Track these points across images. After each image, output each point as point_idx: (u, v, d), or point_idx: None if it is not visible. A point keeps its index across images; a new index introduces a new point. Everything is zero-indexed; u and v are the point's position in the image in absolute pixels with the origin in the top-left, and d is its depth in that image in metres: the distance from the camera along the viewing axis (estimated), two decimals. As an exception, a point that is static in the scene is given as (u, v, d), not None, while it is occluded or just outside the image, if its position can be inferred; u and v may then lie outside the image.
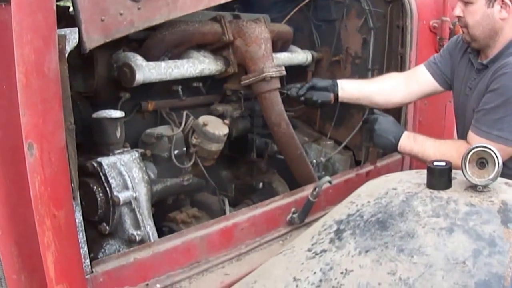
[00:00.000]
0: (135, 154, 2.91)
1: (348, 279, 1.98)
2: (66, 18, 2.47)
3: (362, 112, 4.19)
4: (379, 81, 3.74)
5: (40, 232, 1.98)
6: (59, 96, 2.05)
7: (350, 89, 3.63)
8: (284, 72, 3.55)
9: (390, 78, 3.74)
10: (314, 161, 4.18)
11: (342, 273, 2.01)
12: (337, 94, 3.57)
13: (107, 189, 2.73)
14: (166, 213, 3.29)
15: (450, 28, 4.08)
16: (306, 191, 3.28)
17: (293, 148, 3.62)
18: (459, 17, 3.12)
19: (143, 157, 3.05)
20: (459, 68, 3.38)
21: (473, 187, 2.14)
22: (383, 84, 3.69)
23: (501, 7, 2.97)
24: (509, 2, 2.95)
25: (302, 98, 3.54)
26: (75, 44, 2.18)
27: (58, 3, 2.20)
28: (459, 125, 3.48)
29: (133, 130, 3.20)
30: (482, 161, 2.12)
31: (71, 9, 2.38)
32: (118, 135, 2.88)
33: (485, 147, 2.10)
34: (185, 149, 3.33)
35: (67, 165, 2.11)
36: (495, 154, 2.08)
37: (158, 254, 2.58)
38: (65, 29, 2.15)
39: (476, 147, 2.11)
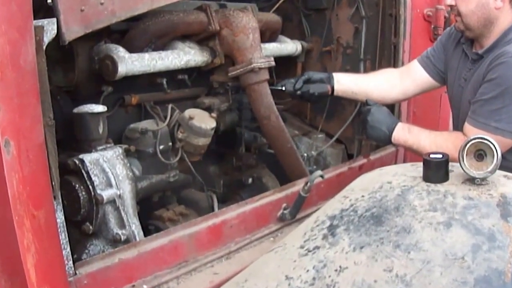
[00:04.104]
0: (119, 150, 2.85)
1: (342, 276, 1.93)
2: (45, 9, 2.41)
3: (354, 104, 4.17)
4: (376, 77, 3.71)
5: (19, 234, 1.91)
6: (36, 90, 1.99)
7: (346, 82, 3.60)
8: (273, 63, 3.51)
9: (387, 74, 3.71)
10: (305, 154, 4.16)
11: (336, 270, 1.95)
12: (333, 87, 3.50)
13: (90, 187, 2.67)
14: (152, 211, 3.23)
15: (445, 17, 4.05)
16: (297, 186, 3.23)
17: (283, 142, 3.57)
18: (451, 6, 3.07)
19: (127, 153, 2.99)
20: (453, 59, 3.34)
21: (471, 180, 2.09)
22: (380, 80, 3.66)
23: None
24: (504, -9, 2.90)
25: (299, 92, 3.49)
26: (54, 36, 2.12)
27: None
28: (454, 116, 3.45)
29: (116, 125, 3.14)
30: (480, 153, 2.08)
31: (49, 0, 2.32)
32: (101, 130, 2.82)
33: (484, 139, 2.05)
34: (170, 144, 3.29)
35: (46, 163, 2.06)
36: (494, 146, 2.03)
37: (144, 254, 2.52)
38: (43, 19, 2.08)
39: (474, 138, 2.06)
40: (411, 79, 3.57)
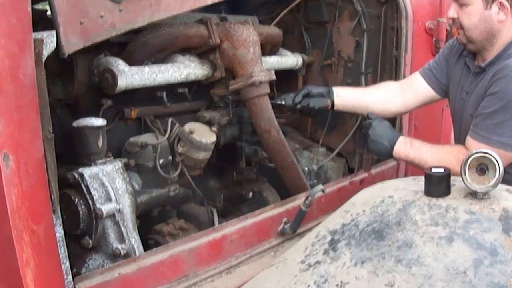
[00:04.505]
0: (118, 164, 2.84)
1: (343, 292, 1.92)
2: (44, 22, 2.40)
3: (355, 118, 4.16)
4: (376, 90, 3.70)
5: (18, 248, 1.92)
6: (36, 103, 2.00)
7: (346, 96, 3.58)
8: (274, 77, 3.50)
9: (387, 87, 3.70)
10: (306, 168, 4.14)
11: (337, 285, 1.95)
12: (333, 101, 3.49)
13: (89, 201, 2.66)
14: (151, 225, 3.22)
15: (447, 30, 4.04)
16: (298, 201, 3.22)
17: (284, 156, 3.56)
18: (453, 19, 3.07)
19: (127, 167, 2.98)
20: (454, 72, 3.33)
21: (473, 194, 2.09)
22: (380, 93, 3.65)
23: (499, 9, 2.92)
24: (507, 4, 2.90)
25: (299, 106, 3.48)
26: (53, 49, 2.11)
27: (35, 7, 2.12)
28: (456, 130, 3.44)
29: (115, 139, 3.13)
30: (482, 167, 2.06)
31: (49, 12, 2.31)
32: (100, 144, 2.81)
33: (486, 153, 2.04)
34: (170, 158, 3.27)
35: (45, 177, 2.06)
36: (496, 160, 2.02)
37: (144, 269, 2.51)
38: (42, 32, 2.08)
39: (476, 152, 2.05)
40: (412, 91, 3.56)
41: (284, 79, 4.12)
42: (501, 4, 2.91)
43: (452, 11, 3.04)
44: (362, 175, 3.81)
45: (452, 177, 2.15)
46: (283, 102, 3.52)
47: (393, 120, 4.00)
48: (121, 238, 2.74)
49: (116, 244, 2.73)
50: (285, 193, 3.65)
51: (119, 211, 2.73)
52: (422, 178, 2.18)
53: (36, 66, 1.99)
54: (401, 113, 3.85)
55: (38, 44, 2.03)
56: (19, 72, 1.91)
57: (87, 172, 2.69)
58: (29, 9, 1.95)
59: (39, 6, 2.92)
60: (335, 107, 3.53)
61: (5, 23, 1.86)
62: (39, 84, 2.00)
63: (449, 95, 3.43)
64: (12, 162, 1.88)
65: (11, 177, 1.88)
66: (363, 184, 3.68)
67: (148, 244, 3.04)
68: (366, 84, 4.14)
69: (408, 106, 3.66)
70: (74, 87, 2.95)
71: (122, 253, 2.71)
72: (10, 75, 1.88)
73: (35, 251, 1.98)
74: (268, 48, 4.02)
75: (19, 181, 1.92)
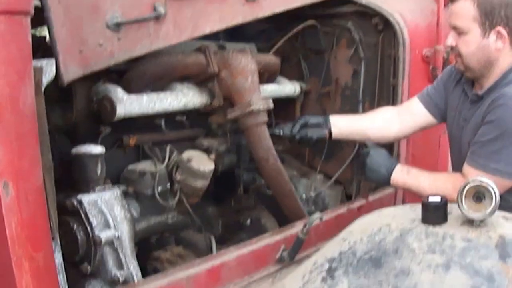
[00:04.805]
0: (117, 191, 2.85)
1: (341, 320, 1.91)
2: (43, 48, 2.42)
3: (353, 145, 4.15)
4: (372, 116, 3.70)
5: (17, 275, 1.92)
6: (35, 132, 2.00)
7: (343, 125, 3.58)
8: (272, 105, 3.50)
9: (383, 112, 3.70)
10: (304, 195, 4.14)
11: (335, 313, 1.93)
12: (331, 131, 3.51)
13: (88, 228, 2.67)
14: (150, 252, 3.22)
15: (443, 57, 4.04)
16: (296, 228, 3.22)
17: (281, 184, 3.56)
18: (452, 47, 3.08)
19: (125, 194, 3.00)
20: (452, 98, 3.34)
21: (469, 222, 2.08)
22: (377, 119, 3.65)
23: (497, 37, 2.94)
24: (504, 32, 2.92)
25: (297, 136, 3.48)
26: (53, 77, 2.13)
27: (34, 33, 2.13)
28: (454, 156, 3.44)
29: (114, 166, 3.12)
30: (478, 195, 2.06)
31: (48, 38, 2.33)
32: (99, 171, 2.81)
33: (482, 181, 2.04)
34: (169, 185, 3.27)
35: (45, 205, 2.07)
36: (492, 188, 2.02)
37: None
38: (42, 60, 2.10)
39: (473, 181, 2.05)
40: (410, 116, 3.57)
41: (282, 107, 4.13)
42: (498, 32, 2.92)
43: (451, 39, 3.06)
44: (360, 202, 3.80)
45: (449, 205, 2.16)
46: (281, 133, 3.52)
47: (391, 148, 4.00)
48: (120, 265, 2.74)
49: (114, 271, 2.74)
50: (283, 220, 3.64)
51: (118, 238, 2.73)
52: (419, 205, 2.18)
53: (35, 94, 2.00)
54: (398, 139, 3.85)
55: (38, 72, 2.04)
56: (19, 100, 1.92)
57: (86, 199, 2.69)
58: (29, 39, 1.96)
59: (36, 32, 2.94)
60: (333, 136, 3.53)
61: (5, 52, 1.87)
62: (38, 112, 2.01)
63: (447, 121, 3.44)
64: (12, 190, 1.89)
65: (11, 205, 1.89)
66: (360, 211, 3.67)
67: (146, 270, 3.04)
68: (364, 112, 4.12)
69: (406, 131, 3.66)
70: (73, 114, 2.95)
71: (120, 279, 2.72)
72: (10, 103, 1.88)
73: (34, 278, 1.97)
74: (266, 76, 4.02)
75: (19, 209, 1.92)
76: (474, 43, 2.97)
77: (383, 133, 3.61)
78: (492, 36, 2.94)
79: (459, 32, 3.00)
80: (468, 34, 2.97)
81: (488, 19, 2.92)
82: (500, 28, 2.91)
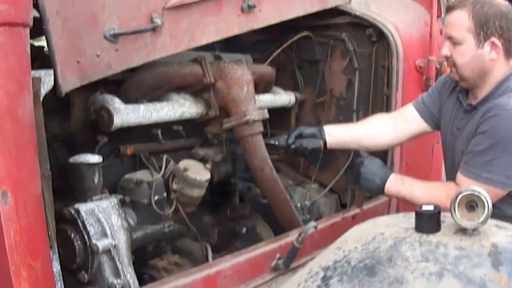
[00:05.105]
0: (114, 200, 2.85)
1: (336, 327, 1.92)
2: (41, 58, 2.43)
3: (347, 155, 4.17)
4: (366, 125, 3.72)
5: (16, 284, 1.92)
6: (34, 142, 2.01)
7: (337, 134, 3.61)
8: (267, 115, 3.52)
9: (377, 120, 3.72)
10: (299, 204, 4.14)
11: (329, 321, 1.94)
12: (325, 141, 3.53)
13: (85, 236, 2.66)
14: (146, 260, 3.23)
15: (436, 68, 4.06)
16: (291, 237, 3.22)
17: (277, 193, 3.57)
18: (447, 57, 3.10)
19: (122, 203, 2.98)
20: (447, 106, 3.36)
21: (462, 230, 2.10)
22: (371, 127, 3.67)
23: (491, 48, 2.97)
24: (499, 44, 2.95)
25: (292, 146, 3.51)
26: (51, 87, 2.14)
27: (32, 42, 2.15)
28: (447, 165, 3.46)
29: (111, 175, 3.14)
30: (471, 204, 2.08)
31: (45, 49, 2.34)
32: (96, 180, 2.82)
33: (475, 190, 2.06)
34: (165, 194, 3.28)
35: (43, 213, 2.08)
36: (485, 197, 2.04)
37: None
38: (40, 71, 2.11)
39: (466, 190, 2.07)
40: (404, 123, 3.59)
41: (277, 117, 4.15)
42: (493, 43, 2.95)
43: (446, 49, 3.08)
44: (354, 211, 3.81)
45: (442, 213, 2.17)
46: (277, 143, 3.54)
47: (385, 157, 4.02)
48: (117, 273, 2.74)
49: (111, 279, 2.73)
50: (279, 229, 3.65)
51: (115, 246, 2.73)
52: (413, 214, 2.19)
53: (34, 104, 2.01)
54: (393, 145, 3.87)
55: (36, 83, 2.05)
56: (18, 111, 1.92)
57: (83, 208, 2.69)
58: (28, 50, 1.98)
59: (35, 43, 2.95)
60: (328, 146, 3.55)
61: (5, 63, 1.87)
62: (37, 122, 2.02)
63: (441, 130, 3.46)
64: (11, 199, 1.89)
65: (10, 214, 1.89)
66: (355, 219, 3.68)
67: (143, 279, 3.05)
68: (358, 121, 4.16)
69: (400, 138, 3.69)
70: (70, 124, 2.96)
71: (117, 287, 2.72)
72: (9, 114, 1.89)
73: (32, 286, 1.97)
74: (262, 86, 4.04)
75: (17, 217, 1.92)
76: (468, 53, 3.00)
77: (377, 141, 3.64)
78: (487, 46, 2.96)
79: (454, 42, 3.02)
80: (463, 45, 3.00)
81: (483, 30, 2.94)
82: (494, 39, 2.94)
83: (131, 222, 3.07)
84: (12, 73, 1.91)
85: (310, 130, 3.56)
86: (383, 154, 4.01)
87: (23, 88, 1.96)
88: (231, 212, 3.96)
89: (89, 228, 2.67)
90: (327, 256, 2.26)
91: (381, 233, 2.20)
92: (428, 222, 2.14)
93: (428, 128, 3.55)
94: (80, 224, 2.67)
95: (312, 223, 3.07)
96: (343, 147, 3.69)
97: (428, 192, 3.10)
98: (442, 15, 3.76)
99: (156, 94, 3.24)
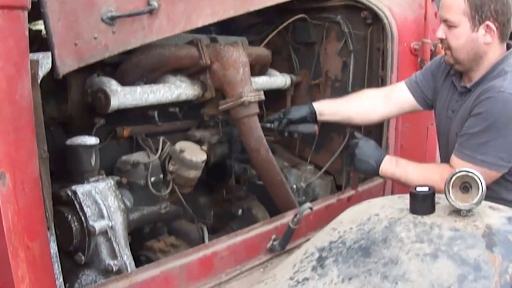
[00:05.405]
0: (111, 181, 2.86)
1: (331, 307, 1.94)
2: (39, 41, 2.43)
3: (343, 136, 4.18)
4: (357, 101, 3.74)
5: (13, 265, 1.92)
6: (32, 124, 2.01)
7: (328, 113, 3.65)
8: (263, 97, 3.52)
9: (368, 97, 3.74)
10: (294, 186, 4.15)
11: (325, 301, 1.96)
12: (316, 119, 3.56)
13: (82, 218, 2.67)
14: (143, 241, 3.23)
15: (431, 50, 4.07)
16: (287, 218, 3.24)
17: (272, 174, 3.58)
18: (441, 39, 3.11)
19: (119, 184, 3.00)
20: (443, 89, 3.38)
21: (457, 212, 2.12)
22: (361, 104, 3.70)
23: (486, 31, 2.98)
24: (493, 27, 2.96)
25: (286, 134, 3.56)
26: (48, 69, 2.14)
27: (29, 27, 2.15)
28: (442, 147, 3.48)
29: (108, 157, 3.14)
30: (465, 185, 2.10)
31: (43, 32, 2.34)
32: (93, 162, 2.83)
33: (469, 172, 2.08)
34: (162, 176, 3.29)
35: (41, 195, 2.07)
36: (479, 179, 2.06)
37: (136, 285, 2.51)
38: (38, 53, 2.11)
39: (460, 171, 2.09)
40: (395, 101, 3.62)
41: (273, 99, 4.15)
42: (487, 26, 2.96)
43: (441, 32, 3.09)
44: (350, 192, 3.83)
45: (436, 195, 2.19)
46: (272, 126, 3.56)
47: (380, 139, 4.05)
48: (113, 255, 2.76)
49: (108, 260, 2.75)
50: (274, 210, 3.66)
51: (112, 228, 2.74)
52: (408, 196, 2.21)
53: (32, 87, 2.01)
54: (381, 121, 3.91)
55: (34, 65, 2.06)
56: (16, 93, 1.93)
57: (80, 189, 2.70)
58: (26, 33, 1.98)
59: (32, 26, 2.95)
60: (318, 121, 3.60)
61: (3, 46, 1.87)
62: (34, 104, 2.02)
63: (436, 112, 3.48)
64: (9, 181, 1.89)
65: (8, 195, 1.89)
66: (350, 201, 3.69)
67: (139, 260, 3.05)
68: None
69: (390, 115, 3.75)
70: (67, 106, 2.96)
71: (114, 269, 2.73)
72: (7, 96, 1.89)
73: (30, 268, 1.97)
74: (257, 68, 4.05)
75: (15, 199, 1.92)
76: (463, 36, 3.01)
77: (367, 118, 3.69)
78: (482, 30, 2.97)
79: (449, 25, 3.03)
80: (458, 28, 3.00)
81: (478, 13, 2.95)
82: (489, 23, 2.95)
83: (128, 203, 3.08)
84: (10, 56, 1.91)
85: (301, 111, 3.60)
86: (377, 136, 4.04)
87: (22, 71, 1.96)
88: (227, 194, 3.97)
89: (86, 209, 2.68)
90: (322, 237, 2.28)
91: (376, 214, 2.23)
92: (422, 203, 2.16)
93: (419, 107, 3.59)
94: (77, 206, 2.67)
95: (308, 204, 3.08)
96: (332, 121, 3.75)
97: (422, 174, 3.12)
98: (437, -3, 3.77)
99: (152, 76, 3.24)
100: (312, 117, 3.59)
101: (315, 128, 3.53)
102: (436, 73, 3.46)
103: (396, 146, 4.16)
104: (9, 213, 1.90)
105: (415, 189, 2.19)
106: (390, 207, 2.26)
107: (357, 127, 3.92)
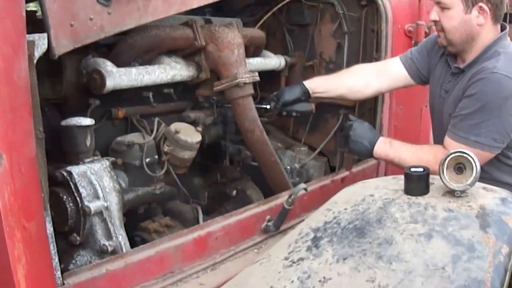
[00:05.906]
0: (106, 162, 2.86)
1: (326, 287, 1.95)
2: (33, 23, 2.42)
3: (337, 118, 4.20)
4: (350, 77, 3.76)
5: (10, 245, 1.92)
6: (29, 105, 2.01)
7: (321, 91, 3.68)
8: (258, 78, 3.52)
9: (361, 72, 3.76)
10: (288, 167, 4.16)
11: (320, 281, 1.98)
12: (313, 102, 3.58)
13: (78, 198, 2.67)
14: (138, 222, 3.23)
15: (425, 32, 4.07)
16: (281, 199, 3.25)
17: (267, 155, 3.58)
18: (435, 21, 3.12)
19: (114, 165, 2.99)
20: (437, 68, 3.40)
21: (451, 193, 2.14)
22: (355, 80, 3.72)
23: (479, 13, 2.99)
24: (486, 8, 2.97)
25: (284, 113, 3.57)
26: (44, 50, 2.13)
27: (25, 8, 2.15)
28: (435, 127, 3.50)
29: (103, 138, 3.14)
30: (459, 166, 2.12)
31: (38, 13, 2.34)
32: (88, 143, 2.82)
33: (463, 152, 2.09)
34: (156, 157, 3.29)
35: (37, 176, 2.07)
36: (473, 159, 2.07)
37: (131, 265, 2.53)
38: (34, 34, 2.10)
39: (454, 152, 2.11)
40: (389, 76, 3.65)
41: (267, 80, 4.15)
42: (480, 8, 2.97)
43: (434, 14, 3.10)
44: (344, 173, 3.84)
45: (430, 176, 2.20)
46: (268, 107, 3.57)
47: (373, 121, 4.06)
48: (109, 235, 2.75)
49: (103, 241, 2.74)
50: (268, 191, 3.67)
51: (107, 208, 2.74)
52: (402, 177, 2.23)
53: (28, 68, 2.02)
54: (374, 96, 3.93)
55: (31, 46, 2.05)
56: (13, 74, 1.93)
57: (76, 170, 2.70)
58: (23, 13, 1.97)
59: (28, 7, 2.94)
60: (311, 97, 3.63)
61: (1, 27, 1.88)
62: (31, 85, 2.01)
63: (430, 91, 3.50)
64: (6, 161, 1.89)
65: (4, 175, 1.89)
66: (344, 182, 3.71)
67: (134, 241, 3.05)
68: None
69: (383, 90, 3.79)
70: (62, 87, 2.96)
71: (109, 249, 2.73)
72: (4, 77, 1.89)
73: (26, 248, 1.98)
74: (252, 49, 4.06)
75: (12, 179, 1.93)
76: (457, 18, 3.02)
77: (360, 94, 3.72)
78: (475, 11, 2.98)
79: (443, 7, 3.04)
80: (451, 9, 3.01)
81: None
82: (482, 4, 2.96)
83: (123, 184, 3.07)
84: (7, 36, 1.91)
85: (294, 92, 3.62)
86: (371, 117, 4.05)
87: (18, 52, 1.96)
88: (222, 175, 3.97)
89: (81, 190, 2.68)
90: (317, 218, 2.29)
91: (371, 194, 2.24)
92: (417, 184, 2.18)
93: (413, 82, 3.62)
94: (72, 186, 2.67)
95: (302, 185, 3.09)
96: (325, 97, 3.75)
97: (416, 155, 3.13)
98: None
99: (147, 57, 3.24)
100: (305, 96, 3.61)
101: (312, 106, 3.55)
102: (431, 51, 3.48)
103: (390, 127, 4.17)
104: (5, 193, 1.90)
105: (410, 169, 2.20)
106: (385, 188, 2.28)
107: (351, 108, 3.94)
